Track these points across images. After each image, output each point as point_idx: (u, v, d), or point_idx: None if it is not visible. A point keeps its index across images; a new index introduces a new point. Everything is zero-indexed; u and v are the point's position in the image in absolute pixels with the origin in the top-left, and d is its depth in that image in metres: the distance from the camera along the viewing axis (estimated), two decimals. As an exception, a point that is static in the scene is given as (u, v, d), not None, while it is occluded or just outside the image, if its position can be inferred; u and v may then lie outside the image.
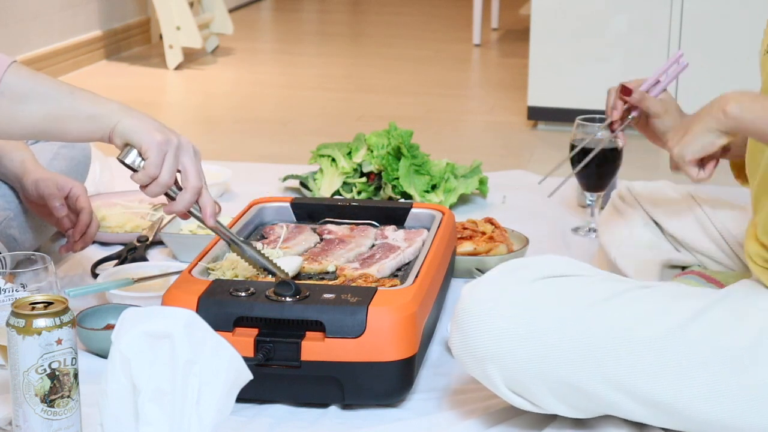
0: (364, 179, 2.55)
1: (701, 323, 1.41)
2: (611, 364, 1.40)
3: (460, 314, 1.46)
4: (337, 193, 2.54)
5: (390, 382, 1.56)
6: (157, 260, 2.15)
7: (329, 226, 1.96)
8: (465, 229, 2.15)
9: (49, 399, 1.31)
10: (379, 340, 1.53)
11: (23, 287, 1.46)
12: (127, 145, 1.54)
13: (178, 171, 1.56)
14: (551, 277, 1.46)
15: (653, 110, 1.77)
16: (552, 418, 1.52)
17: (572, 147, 2.26)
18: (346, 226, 1.97)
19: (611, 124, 1.85)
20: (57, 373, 1.31)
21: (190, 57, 4.47)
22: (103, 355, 1.67)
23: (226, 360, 1.23)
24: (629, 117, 1.82)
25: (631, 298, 1.44)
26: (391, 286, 1.67)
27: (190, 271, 1.68)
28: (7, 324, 1.31)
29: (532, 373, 1.42)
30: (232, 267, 1.73)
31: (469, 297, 1.46)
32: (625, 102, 1.81)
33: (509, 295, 1.44)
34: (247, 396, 1.43)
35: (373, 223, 1.99)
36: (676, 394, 1.39)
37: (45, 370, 1.30)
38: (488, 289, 1.45)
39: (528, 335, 1.41)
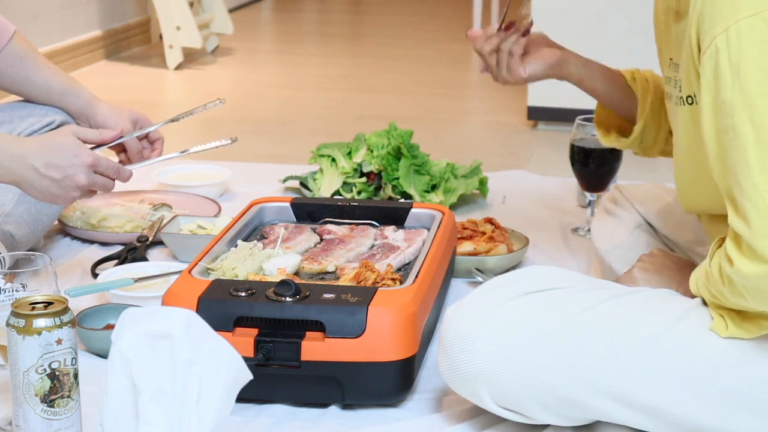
0: (364, 179, 2.55)
1: (684, 327, 1.41)
2: (597, 372, 1.40)
3: (445, 337, 1.47)
4: (337, 193, 2.54)
5: (390, 382, 1.56)
6: (157, 260, 2.14)
7: (329, 226, 1.96)
8: (465, 229, 2.15)
9: (49, 399, 1.31)
10: (379, 340, 1.53)
11: (23, 287, 1.46)
12: None
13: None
14: (533, 293, 1.46)
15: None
16: (552, 419, 1.52)
17: (572, 147, 2.26)
18: (346, 226, 1.97)
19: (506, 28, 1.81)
20: (57, 373, 1.31)
21: (190, 57, 4.47)
22: (103, 355, 1.67)
23: (226, 360, 1.23)
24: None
25: (612, 306, 1.44)
26: (392, 279, 1.68)
27: (190, 271, 1.68)
28: (7, 324, 1.31)
29: (520, 388, 1.42)
30: (232, 267, 1.73)
31: (452, 319, 1.47)
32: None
33: (492, 315, 1.44)
34: (247, 396, 1.43)
35: (373, 223, 1.99)
36: (663, 398, 1.39)
37: (45, 370, 1.30)
38: (471, 310, 1.46)
39: (513, 353, 1.42)
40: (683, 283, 1.55)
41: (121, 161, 2.01)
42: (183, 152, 1.99)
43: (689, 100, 1.45)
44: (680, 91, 1.49)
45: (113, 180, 1.82)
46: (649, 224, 1.92)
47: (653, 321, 1.41)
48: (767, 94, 1.28)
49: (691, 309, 1.43)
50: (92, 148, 1.84)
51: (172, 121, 2.04)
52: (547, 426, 1.51)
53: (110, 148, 2.01)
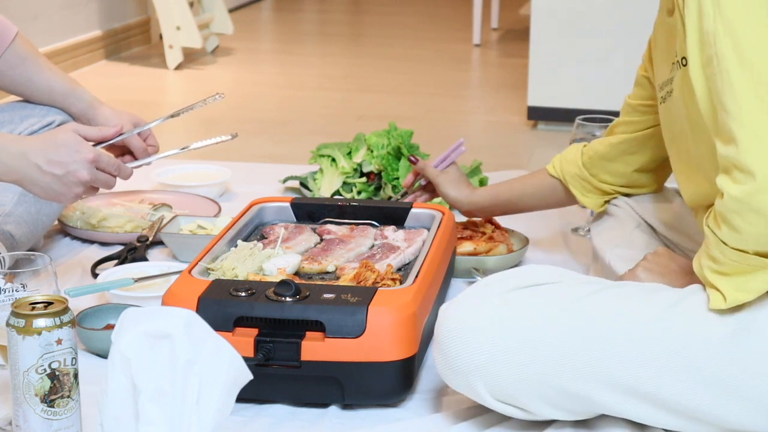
0: (364, 179, 2.55)
1: (681, 311, 1.40)
2: (594, 362, 1.40)
3: (439, 333, 1.47)
4: (337, 193, 2.54)
5: (390, 382, 1.56)
6: (157, 260, 2.15)
7: (329, 226, 1.96)
8: (465, 229, 2.16)
9: (49, 399, 1.31)
10: (379, 340, 1.53)
11: (23, 287, 1.46)
12: None
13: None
14: (526, 287, 1.46)
15: (430, 176, 2.11)
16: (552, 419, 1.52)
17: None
18: (346, 226, 1.97)
19: (405, 194, 2.19)
20: (57, 373, 1.31)
21: (190, 57, 4.47)
22: (103, 355, 1.67)
23: (226, 360, 1.23)
24: (417, 183, 2.17)
25: (607, 295, 1.45)
26: (392, 279, 1.68)
27: (190, 271, 1.68)
28: (7, 324, 1.31)
29: (516, 381, 1.42)
30: (232, 267, 1.73)
31: (446, 315, 1.48)
32: (416, 173, 2.16)
33: (484, 308, 1.45)
34: (247, 396, 1.43)
35: (373, 223, 1.99)
36: (661, 386, 1.39)
37: (45, 370, 1.30)
38: (464, 305, 1.47)
39: (508, 343, 1.42)
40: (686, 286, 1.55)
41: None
42: (183, 149, 1.99)
43: (683, 62, 1.48)
44: (673, 87, 1.55)
45: (115, 177, 1.82)
46: (649, 224, 1.92)
47: (649, 307, 1.42)
48: (745, 21, 1.34)
49: (686, 295, 1.43)
50: (93, 146, 1.84)
51: (172, 116, 2.04)
52: (548, 425, 1.51)
53: (111, 150, 2.01)
